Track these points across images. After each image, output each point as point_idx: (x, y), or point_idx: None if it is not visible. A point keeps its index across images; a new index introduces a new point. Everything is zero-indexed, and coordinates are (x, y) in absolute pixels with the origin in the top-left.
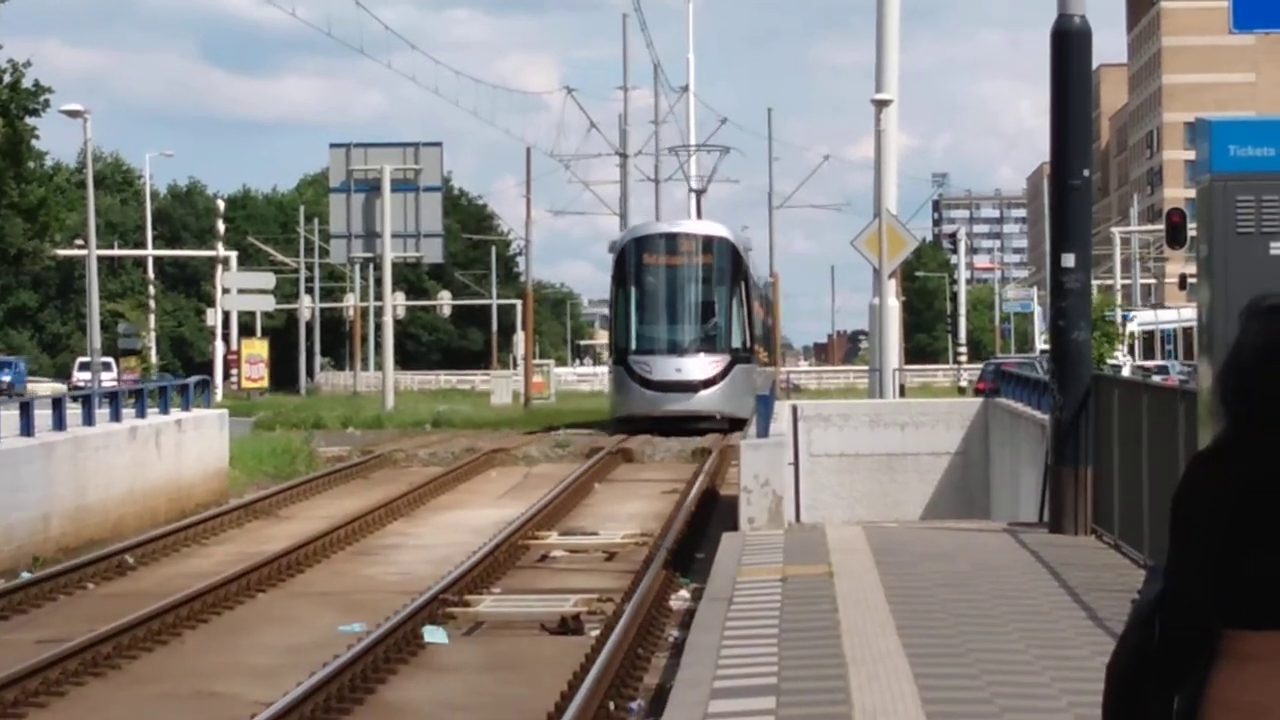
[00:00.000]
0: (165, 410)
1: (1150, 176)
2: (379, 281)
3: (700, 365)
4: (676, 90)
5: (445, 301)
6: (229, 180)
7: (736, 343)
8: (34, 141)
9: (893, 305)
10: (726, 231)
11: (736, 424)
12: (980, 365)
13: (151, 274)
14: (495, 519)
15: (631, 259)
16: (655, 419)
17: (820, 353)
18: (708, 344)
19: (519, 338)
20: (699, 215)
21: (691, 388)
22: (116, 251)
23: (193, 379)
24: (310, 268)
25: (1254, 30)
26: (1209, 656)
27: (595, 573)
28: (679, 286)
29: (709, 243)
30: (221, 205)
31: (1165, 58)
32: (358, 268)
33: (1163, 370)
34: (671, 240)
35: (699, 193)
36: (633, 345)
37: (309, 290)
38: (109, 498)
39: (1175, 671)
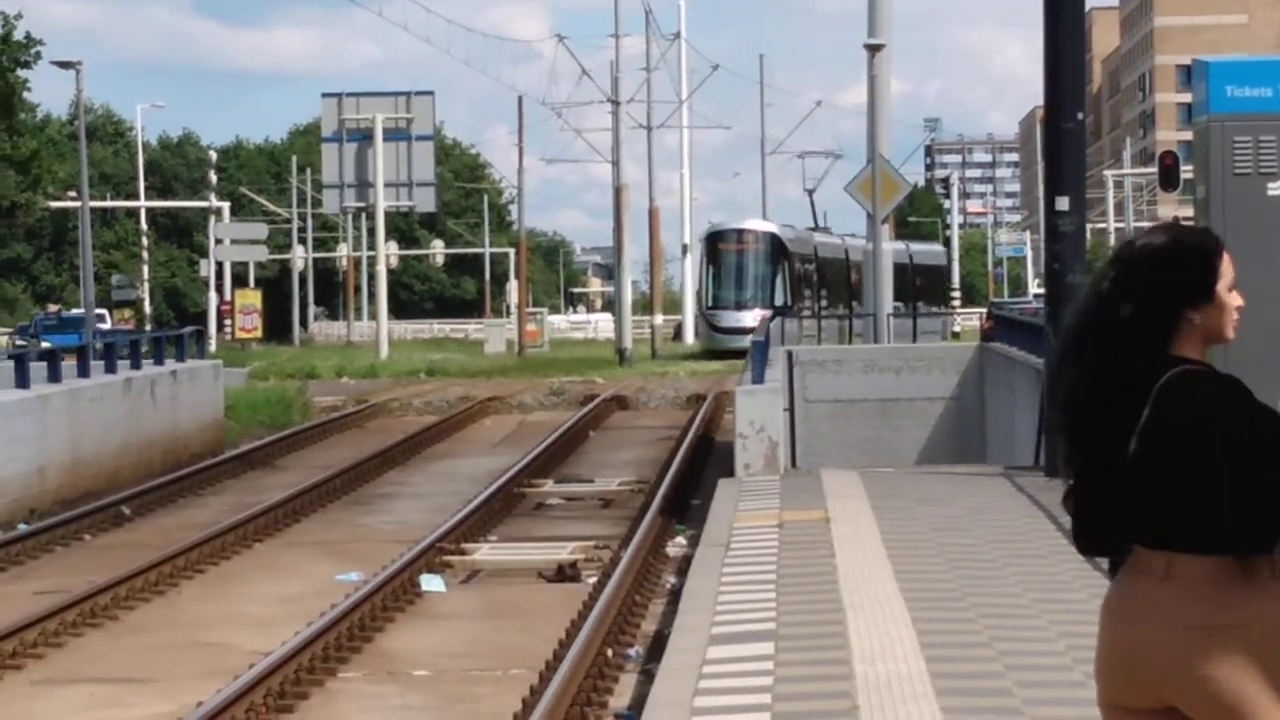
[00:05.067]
0: (160, 361)
1: (1142, 119)
2: (372, 231)
3: (753, 316)
4: (668, 37)
5: (438, 250)
6: (221, 131)
7: (779, 301)
8: (25, 94)
9: (887, 250)
10: (774, 228)
11: None
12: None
13: (144, 225)
14: (490, 467)
15: (710, 246)
16: (724, 352)
17: None
18: (757, 302)
19: (512, 286)
20: (813, 211)
21: (746, 331)
22: (109, 203)
23: (186, 329)
24: (303, 218)
25: None
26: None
27: (591, 520)
28: (740, 265)
29: (759, 236)
30: (214, 156)
31: (1157, 0)
32: (350, 217)
33: None
34: (737, 234)
35: (810, 192)
36: (710, 303)
37: (302, 240)
38: (105, 449)
39: None
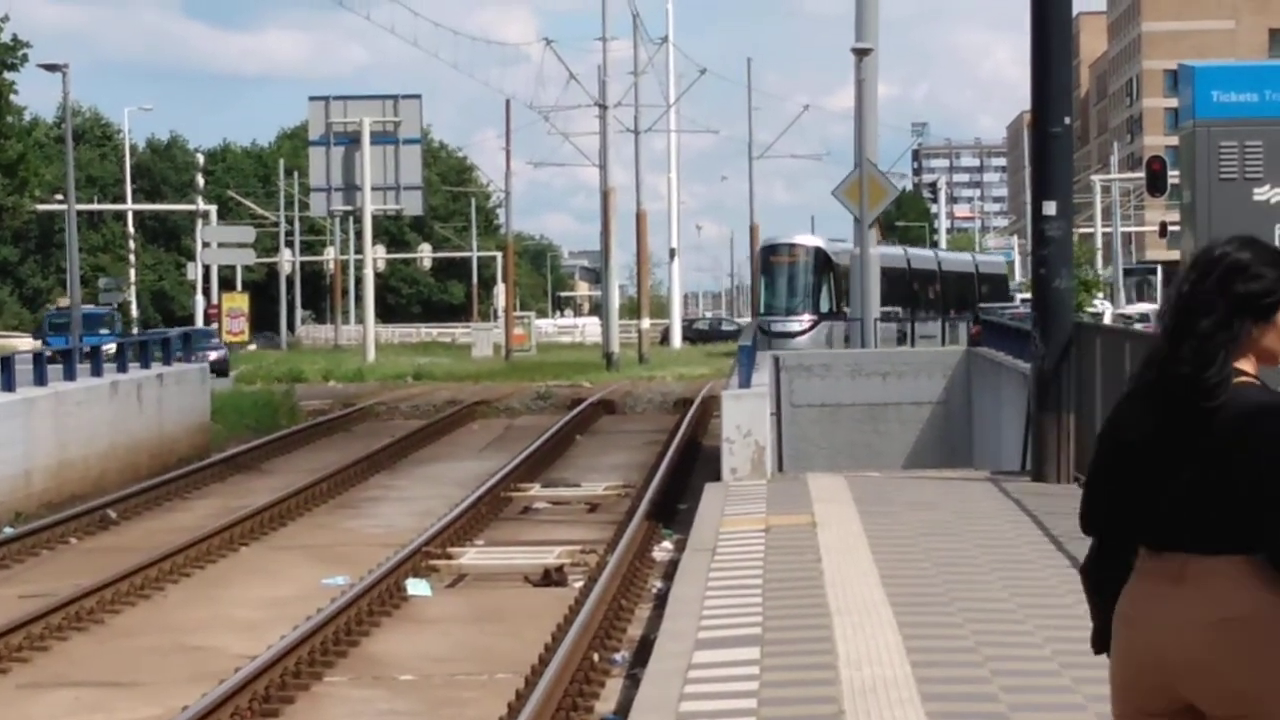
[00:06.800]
0: (146, 365)
1: (1130, 124)
2: (359, 234)
3: (799, 322)
4: (656, 41)
5: (425, 254)
6: (209, 134)
7: (823, 309)
8: (12, 97)
9: (874, 255)
10: (821, 241)
11: None
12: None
13: (131, 228)
14: (477, 471)
15: (764, 258)
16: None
17: None
18: (804, 309)
19: (499, 290)
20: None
21: (793, 335)
22: (96, 206)
23: (172, 330)
24: (290, 221)
25: None
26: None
27: (578, 524)
28: (790, 275)
29: (806, 249)
30: (201, 159)
31: (1144, 5)
32: (338, 221)
33: (1145, 318)
34: (788, 247)
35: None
36: (762, 309)
37: (289, 244)
38: (91, 453)
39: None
